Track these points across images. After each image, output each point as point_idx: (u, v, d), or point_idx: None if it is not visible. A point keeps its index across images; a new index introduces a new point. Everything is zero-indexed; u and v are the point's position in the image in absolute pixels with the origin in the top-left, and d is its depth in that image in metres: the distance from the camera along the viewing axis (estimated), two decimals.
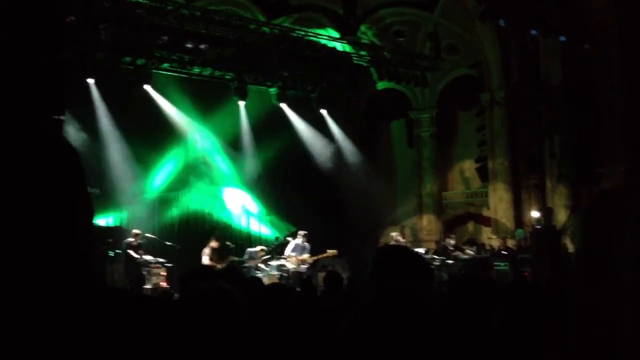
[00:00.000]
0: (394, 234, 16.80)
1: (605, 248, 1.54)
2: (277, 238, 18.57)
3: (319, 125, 19.79)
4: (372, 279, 2.46)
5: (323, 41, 17.81)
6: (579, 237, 1.63)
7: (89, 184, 1.42)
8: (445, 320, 1.51)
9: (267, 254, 15.02)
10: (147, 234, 15.94)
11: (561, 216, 16.39)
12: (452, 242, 16.91)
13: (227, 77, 17.23)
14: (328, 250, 14.83)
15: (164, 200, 17.64)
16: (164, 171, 17.32)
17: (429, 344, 1.41)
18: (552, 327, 1.57)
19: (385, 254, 2.56)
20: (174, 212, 17.76)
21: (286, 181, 17.99)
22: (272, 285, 4.48)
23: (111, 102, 15.72)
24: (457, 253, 16.47)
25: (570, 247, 15.29)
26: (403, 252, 2.53)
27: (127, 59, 15.37)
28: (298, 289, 7.52)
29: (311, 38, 17.49)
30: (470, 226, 20.87)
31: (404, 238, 20.06)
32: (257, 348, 2.83)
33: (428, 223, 21.23)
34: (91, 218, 1.41)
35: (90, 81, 15.41)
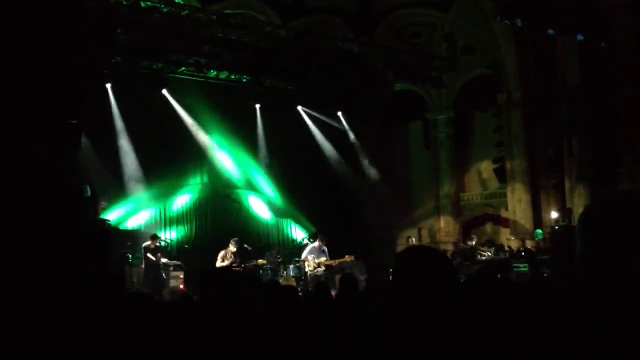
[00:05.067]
0: (411, 238, 16.68)
1: (605, 253, 1.53)
2: (293, 241, 18.60)
3: (336, 127, 19.82)
4: (393, 282, 2.45)
5: (339, 43, 17.82)
6: (578, 242, 1.63)
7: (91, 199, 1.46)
8: (457, 327, 1.51)
9: (283, 257, 15.05)
10: (165, 237, 16.06)
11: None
12: (472, 243, 16.80)
13: (244, 80, 17.31)
14: (346, 256, 14.81)
15: (182, 203, 17.75)
16: (182, 174, 17.43)
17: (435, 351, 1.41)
18: (559, 330, 1.57)
19: (406, 257, 2.54)
20: (192, 214, 17.84)
21: (304, 183, 18.02)
22: (284, 287, 4.49)
23: (128, 106, 15.86)
24: (476, 254, 16.37)
25: None
26: (427, 254, 2.50)
27: (144, 63, 15.50)
28: (314, 293, 7.52)
29: (327, 40, 17.50)
30: (489, 227, 20.75)
31: (421, 240, 20.01)
32: (271, 351, 2.84)
33: (446, 224, 21.15)
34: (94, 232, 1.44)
35: (108, 86, 15.58)
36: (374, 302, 1.48)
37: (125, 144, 15.85)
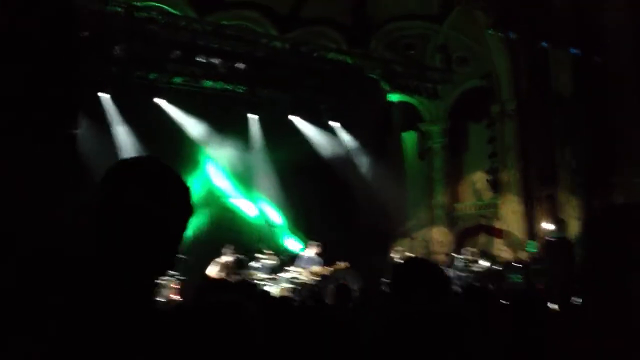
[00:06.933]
0: (396, 256, 16.33)
1: (611, 260, 1.57)
2: (285, 250, 18.56)
3: (331, 138, 19.87)
4: (392, 294, 2.48)
5: (333, 54, 17.91)
6: (583, 250, 1.66)
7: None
8: (463, 335, 1.54)
9: (278, 266, 15.03)
10: None
11: (574, 228, 16.29)
12: (468, 256, 16.82)
13: (239, 90, 17.35)
14: (339, 263, 14.81)
15: None
16: None
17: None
18: (558, 339, 1.60)
19: (404, 268, 2.58)
20: (188, 224, 17.79)
21: (299, 193, 18.03)
22: (280, 299, 4.52)
23: (125, 115, 15.88)
24: (470, 265, 16.39)
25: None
26: (422, 266, 2.56)
27: (140, 73, 15.54)
28: (309, 303, 7.53)
29: (322, 51, 17.60)
30: (482, 238, 20.78)
31: (415, 250, 20.01)
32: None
33: (439, 235, 21.17)
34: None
35: (105, 95, 15.61)
36: (395, 312, 1.51)
37: (120, 153, 15.84)
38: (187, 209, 1.49)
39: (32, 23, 7.55)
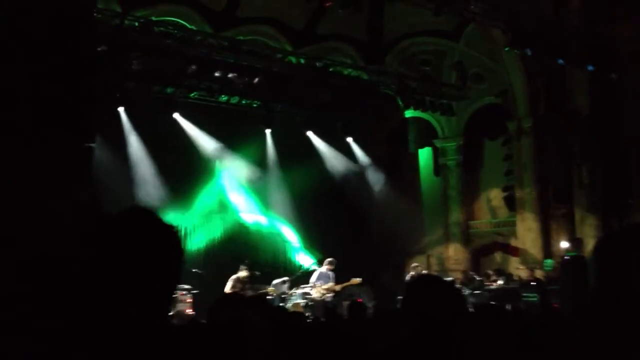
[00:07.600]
0: (412, 273, 16.23)
1: (620, 284, 1.53)
2: (300, 267, 18.53)
3: (345, 153, 19.88)
4: (406, 309, 2.45)
5: (349, 70, 17.95)
6: (593, 274, 1.63)
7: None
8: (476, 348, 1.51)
9: (292, 283, 14.99)
10: None
11: (591, 247, 16.12)
12: (478, 278, 16.73)
13: (254, 105, 17.43)
14: (352, 279, 14.74)
15: (191, 227, 17.75)
16: (192, 198, 17.46)
17: None
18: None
19: (419, 284, 2.55)
20: (201, 238, 17.84)
21: (313, 209, 18.01)
22: (294, 314, 4.48)
23: (141, 129, 15.99)
24: (486, 283, 16.28)
25: None
26: (437, 283, 2.52)
27: (157, 87, 15.66)
28: (322, 319, 7.48)
29: (337, 67, 17.65)
30: (498, 256, 20.62)
31: (430, 268, 19.91)
32: None
33: (455, 252, 21.03)
34: None
35: (121, 109, 15.72)
36: (397, 330, 1.49)
37: (136, 168, 15.93)
38: (175, 254, 1.51)
39: (49, 36, 7.61)
